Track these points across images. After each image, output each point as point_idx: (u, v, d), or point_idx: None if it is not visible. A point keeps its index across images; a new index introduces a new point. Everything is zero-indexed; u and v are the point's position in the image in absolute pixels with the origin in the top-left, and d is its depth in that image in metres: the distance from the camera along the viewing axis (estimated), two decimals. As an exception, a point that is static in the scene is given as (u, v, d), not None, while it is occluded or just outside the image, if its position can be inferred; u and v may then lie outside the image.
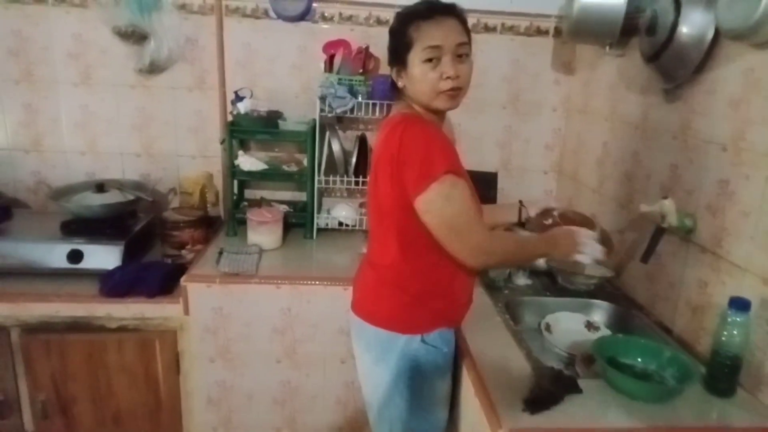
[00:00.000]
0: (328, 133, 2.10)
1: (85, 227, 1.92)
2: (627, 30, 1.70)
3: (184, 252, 1.96)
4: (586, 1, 1.72)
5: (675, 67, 1.46)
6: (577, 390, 1.17)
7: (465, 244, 1.22)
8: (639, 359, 1.30)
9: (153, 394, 1.84)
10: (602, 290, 1.75)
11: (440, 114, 1.30)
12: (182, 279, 1.75)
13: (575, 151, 2.22)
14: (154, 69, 2.11)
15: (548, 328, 1.54)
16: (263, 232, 1.99)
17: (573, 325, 1.57)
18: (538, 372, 1.25)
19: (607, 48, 1.83)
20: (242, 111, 2.04)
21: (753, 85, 1.25)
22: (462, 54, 1.21)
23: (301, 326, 1.82)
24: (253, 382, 1.86)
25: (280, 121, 2.09)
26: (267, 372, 1.86)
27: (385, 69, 1.76)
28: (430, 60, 1.19)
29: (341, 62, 2.03)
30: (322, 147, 2.10)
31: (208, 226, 2.10)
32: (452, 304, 1.36)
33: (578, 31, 1.81)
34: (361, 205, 2.28)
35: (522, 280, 1.82)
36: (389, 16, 2.06)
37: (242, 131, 2.06)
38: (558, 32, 2.19)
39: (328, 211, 2.24)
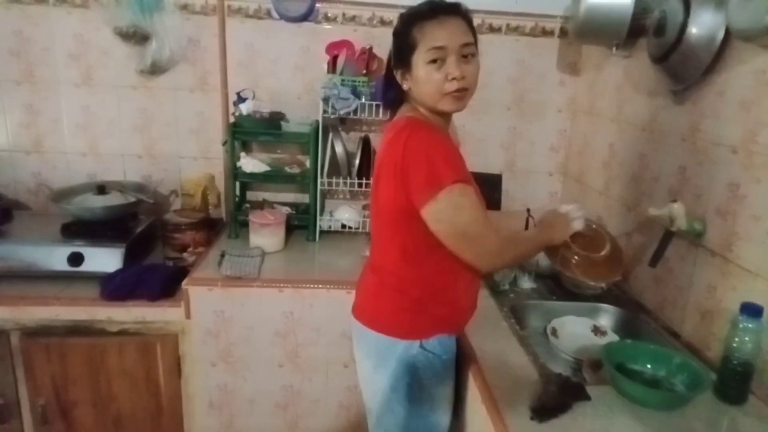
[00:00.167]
0: (331, 135, 2.09)
1: (85, 229, 1.91)
2: (634, 31, 1.68)
3: (185, 255, 1.95)
4: (593, 1, 1.71)
5: (684, 69, 1.44)
6: (585, 397, 1.15)
7: (478, 250, 1.21)
8: (648, 365, 1.28)
9: (154, 398, 1.82)
10: (609, 294, 1.72)
11: (446, 116, 1.28)
12: (184, 282, 1.74)
13: (581, 152, 2.20)
14: (155, 70, 2.10)
15: (554, 332, 1.52)
16: (265, 235, 1.97)
17: (579, 330, 1.56)
18: (545, 378, 1.23)
19: (614, 49, 1.80)
20: (244, 112, 2.02)
21: (765, 86, 1.23)
22: (468, 54, 1.18)
23: (304, 330, 1.80)
24: (255, 386, 1.85)
25: (282, 123, 2.08)
26: (269, 376, 1.84)
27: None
28: (434, 61, 1.17)
29: (344, 63, 2.01)
30: (324, 148, 2.09)
31: (209, 228, 2.08)
32: (454, 310, 1.34)
33: (585, 32, 1.80)
34: (364, 207, 2.27)
35: (527, 283, 1.80)
36: (393, 16, 2.05)
37: (244, 133, 2.05)
38: (563, 33, 2.18)
39: (331, 214, 2.22)
